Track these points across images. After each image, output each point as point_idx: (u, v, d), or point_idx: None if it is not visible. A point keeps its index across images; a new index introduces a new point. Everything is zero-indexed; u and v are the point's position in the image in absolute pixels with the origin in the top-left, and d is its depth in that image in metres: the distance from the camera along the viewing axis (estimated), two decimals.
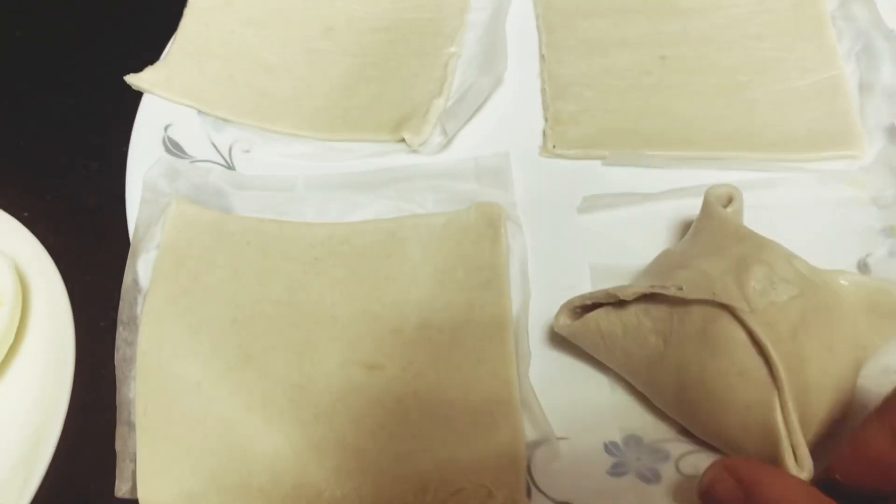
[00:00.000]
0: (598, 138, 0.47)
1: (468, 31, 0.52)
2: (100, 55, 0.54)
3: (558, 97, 0.49)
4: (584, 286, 0.41)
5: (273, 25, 0.52)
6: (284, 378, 0.38)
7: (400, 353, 0.39)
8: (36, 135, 0.52)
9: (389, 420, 0.37)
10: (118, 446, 0.36)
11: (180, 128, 0.48)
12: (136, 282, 0.41)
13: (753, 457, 0.32)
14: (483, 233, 0.42)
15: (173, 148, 0.47)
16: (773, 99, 0.47)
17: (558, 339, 0.39)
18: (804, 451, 0.31)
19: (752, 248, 0.35)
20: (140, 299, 0.40)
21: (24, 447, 0.37)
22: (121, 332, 0.39)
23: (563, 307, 0.38)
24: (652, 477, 0.35)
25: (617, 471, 0.35)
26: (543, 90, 0.49)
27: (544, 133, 0.47)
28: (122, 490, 0.36)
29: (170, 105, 0.48)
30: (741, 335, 0.33)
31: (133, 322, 0.40)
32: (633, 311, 0.36)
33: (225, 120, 0.48)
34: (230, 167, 0.47)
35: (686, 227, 0.41)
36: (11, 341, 0.40)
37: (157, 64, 0.50)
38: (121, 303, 0.40)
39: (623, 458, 0.36)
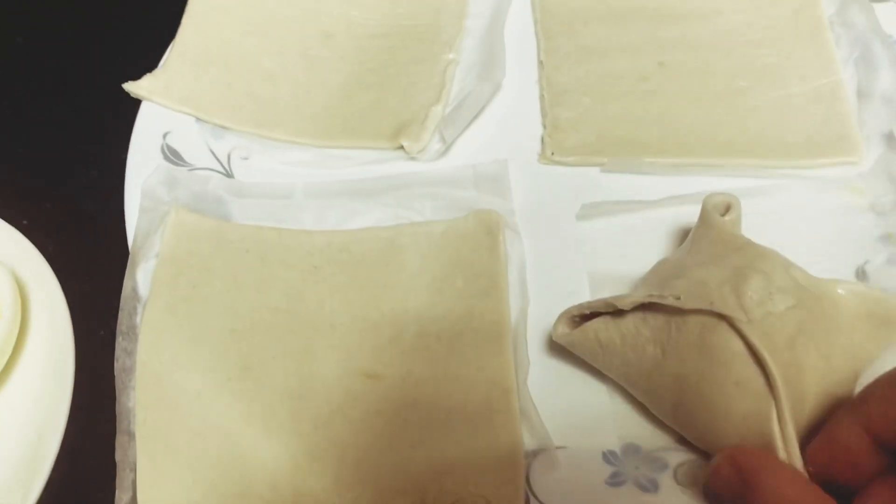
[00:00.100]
0: (597, 145, 0.47)
1: (466, 37, 0.52)
2: (98, 63, 0.54)
3: (557, 104, 0.48)
4: (583, 293, 0.41)
5: (271, 32, 0.52)
6: (283, 388, 0.38)
7: (399, 361, 0.39)
8: (35, 142, 0.51)
9: (388, 429, 0.37)
10: (118, 456, 0.36)
11: (179, 135, 0.47)
12: (135, 291, 0.41)
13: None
14: (481, 241, 0.42)
15: (172, 156, 0.47)
16: (772, 105, 0.47)
17: (557, 347, 0.39)
18: (799, 462, 0.31)
19: (750, 258, 0.35)
20: (139, 309, 0.40)
21: (24, 457, 0.37)
22: (120, 342, 0.39)
23: (561, 316, 0.38)
24: (650, 486, 0.35)
25: (615, 480, 0.35)
26: (542, 97, 0.49)
27: (543, 140, 0.47)
28: (122, 500, 0.35)
29: (168, 113, 0.48)
30: (738, 345, 0.33)
31: (132, 332, 0.40)
32: (631, 321, 0.36)
33: (223, 127, 0.48)
34: (229, 175, 0.47)
35: (685, 234, 0.41)
36: (11, 351, 0.40)
37: (156, 71, 0.50)
38: (120, 312, 0.40)
39: (621, 468, 0.36)
